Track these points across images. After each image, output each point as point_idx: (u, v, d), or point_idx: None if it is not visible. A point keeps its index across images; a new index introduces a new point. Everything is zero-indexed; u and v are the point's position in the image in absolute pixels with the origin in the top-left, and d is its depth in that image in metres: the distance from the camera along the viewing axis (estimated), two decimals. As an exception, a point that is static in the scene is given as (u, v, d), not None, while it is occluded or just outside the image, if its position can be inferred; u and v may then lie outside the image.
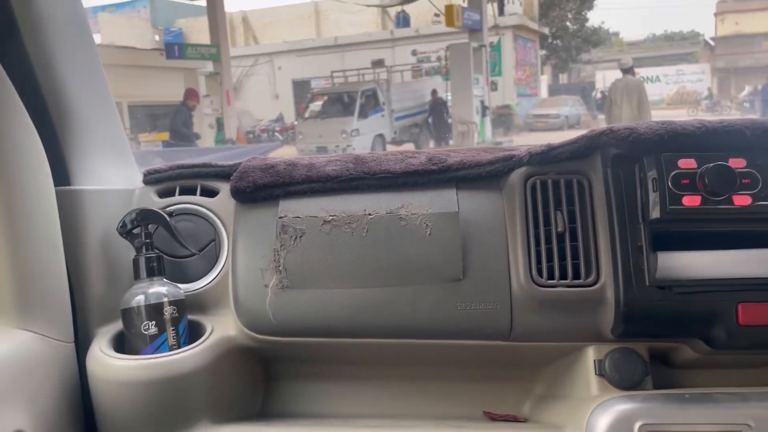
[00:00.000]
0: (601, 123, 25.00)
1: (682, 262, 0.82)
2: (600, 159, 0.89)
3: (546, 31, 26.92)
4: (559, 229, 0.87)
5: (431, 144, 16.27)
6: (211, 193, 1.02)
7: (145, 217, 0.92)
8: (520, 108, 23.93)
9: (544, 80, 49.38)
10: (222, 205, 1.00)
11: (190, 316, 0.94)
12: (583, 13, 30.28)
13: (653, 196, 0.81)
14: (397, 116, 16.01)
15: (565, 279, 0.86)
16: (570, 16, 30.39)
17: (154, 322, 0.87)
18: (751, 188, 0.79)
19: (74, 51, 0.93)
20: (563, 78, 52.89)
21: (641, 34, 59.06)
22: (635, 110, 8.09)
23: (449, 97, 15.59)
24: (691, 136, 0.82)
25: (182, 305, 0.91)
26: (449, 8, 14.77)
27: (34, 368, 0.79)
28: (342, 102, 15.48)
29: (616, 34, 64.48)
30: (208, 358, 0.90)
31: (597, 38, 31.42)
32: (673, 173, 0.80)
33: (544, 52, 30.23)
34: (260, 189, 0.96)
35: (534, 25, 25.58)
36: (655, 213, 0.81)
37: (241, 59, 28.50)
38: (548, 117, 23.17)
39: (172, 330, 0.89)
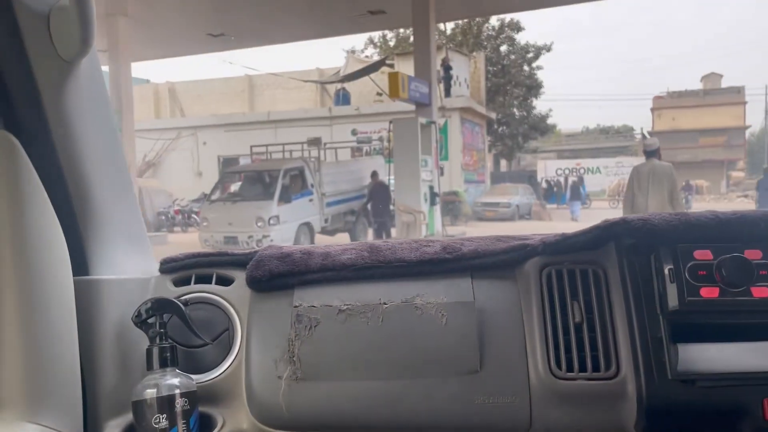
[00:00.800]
0: (552, 213, 24.01)
1: (704, 354, 0.79)
2: (615, 249, 0.88)
3: (493, 116, 25.24)
4: (577, 320, 0.85)
5: (369, 235, 13.32)
6: (226, 281, 1.01)
7: (160, 306, 0.90)
8: (468, 195, 21.71)
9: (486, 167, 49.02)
10: (237, 293, 0.99)
11: (201, 408, 0.90)
12: (529, 100, 29.04)
13: (671, 288, 0.80)
14: (329, 201, 13.06)
15: (585, 371, 0.83)
16: (516, 102, 29.27)
17: (165, 416, 0.83)
18: None
19: (98, 140, 0.91)
20: (503, 165, 52.74)
21: (576, 127, 60.19)
22: (666, 200, 6.65)
23: (392, 181, 12.89)
24: (706, 228, 0.81)
25: (194, 397, 0.87)
26: (393, 76, 12.39)
27: None
28: (261, 182, 12.44)
29: (554, 126, 66.14)
30: None
31: (544, 126, 30.06)
32: (689, 264, 0.80)
33: (489, 138, 28.70)
34: (276, 278, 0.95)
35: (481, 109, 23.96)
36: (673, 304, 0.80)
37: (162, 132, 25.57)
38: (498, 206, 21.03)
39: (183, 423, 0.85)
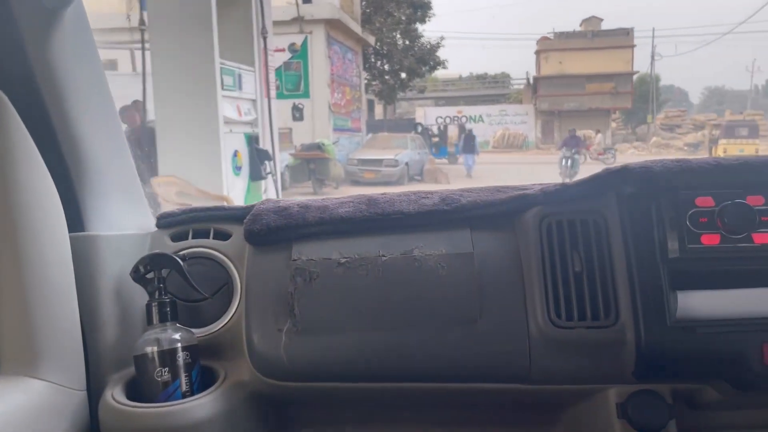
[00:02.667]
0: (446, 170, 18.36)
1: (703, 301, 0.79)
2: (615, 198, 0.86)
3: (371, 40, 18.15)
4: (577, 269, 0.84)
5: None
6: (224, 236, 0.99)
7: (158, 261, 0.89)
8: (338, 149, 14.91)
9: (361, 114, 42.46)
10: (235, 248, 0.97)
11: (202, 361, 0.90)
12: (414, 26, 22.20)
13: (671, 235, 0.79)
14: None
15: (584, 320, 0.83)
16: (401, 27, 22.12)
17: (167, 369, 0.84)
18: None
19: (89, 96, 0.90)
20: (378, 112, 46.53)
21: (454, 73, 55.11)
22: None
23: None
24: (707, 174, 0.80)
25: (195, 351, 0.87)
26: None
27: (45, 418, 0.76)
28: None
29: (445, 60, 60.78)
30: (222, 404, 0.86)
31: (435, 59, 23.13)
32: (690, 212, 0.79)
33: (366, 74, 21.80)
34: (273, 232, 0.93)
35: (356, 27, 16.68)
36: (673, 252, 0.79)
37: None
38: (381, 164, 14.36)
39: (185, 376, 0.85)
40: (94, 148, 0.89)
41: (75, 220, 0.87)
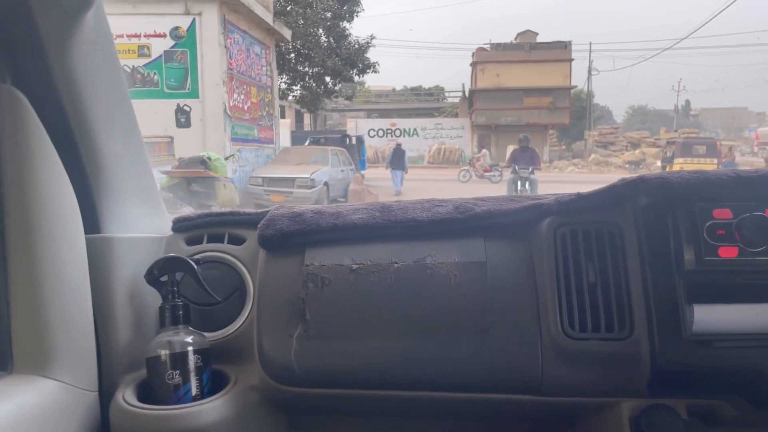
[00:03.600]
0: (380, 190, 14.07)
1: (720, 315, 0.76)
2: (631, 208, 0.84)
3: (286, 34, 14.82)
4: (591, 280, 0.82)
5: None
6: (238, 240, 0.99)
7: (172, 265, 0.89)
8: (241, 164, 11.57)
9: (286, 125, 39.02)
10: (249, 252, 0.97)
11: (214, 365, 0.89)
12: (341, 24, 19.06)
13: (688, 247, 0.77)
14: None
15: (598, 331, 0.81)
16: (325, 24, 18.64)
17: (178, 371, 0.83)
18: None
19: (108, 100, 0.89)
20: (307, 122, 43.32)
21: (387, 86, 52.69)
22: None
23: None
24: (725, 186, 0.77)
25: (207, 354, 0.87)
26: None
27: (57, 418, 0.76)
28: None
29: (362, 83, 58.14)
30: (232, 408, 0.86)
31: (365, 61, 19.50)
32: (708, 224, 0.76)
33: (285, 77, 18.46)
34: (287, 237, 0.92)
35: (265, 14, 13.08)
36: (690, 264, 0.77)
37: None
38: (293, 184, 11.03)
39: (196, 379, 0.84)
40: (112, 150, 0.88)
41: (91, 221, 0.86)
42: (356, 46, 18.85)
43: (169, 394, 0.82)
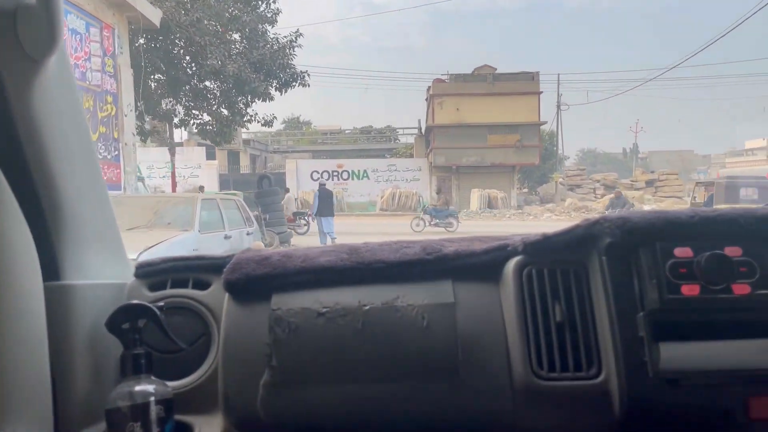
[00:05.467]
0: None
1: (686, 352, 0.76)
2: (595, 248, 0.83)
3: (153, 16, 9.05)
4: (558, 320, 0.81)
5: None
6: (203, 285, 0.97)
7: (134, 311, 0.84)
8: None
9: (213, 167, 33.19)
10: (214, 298, 0.94)
11: (177, 416, 0.84)
12: (262, 27, 13.29)
13: (651, 286, 0.77)
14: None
15: (567, 371, 0.80)
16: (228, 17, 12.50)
17: (139, 423, 0.78)
18: (749, 277, 0.75)
19: (68, 140, 0.86)
20: (245, 164, 37.66)
21: (334, 125, 47.82)
22: None
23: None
24: (685, 225, 0.78)
25: (170, 405, 0.82)
26: None
27: None
28: None
29: (309, 123, 53.16)
30: None
31: (290, 69, 13.38)
32: (669, 262, 0.76)
33: (169, 99, 12.77)
34: (253, 281, 0.89)
35: None
36: (653, 302, 0.76)
37: None
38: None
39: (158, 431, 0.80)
40: (73, 196, 0.86)
41: (50, 268, 0.83)
42: (275, 46, 12.99)
43: None
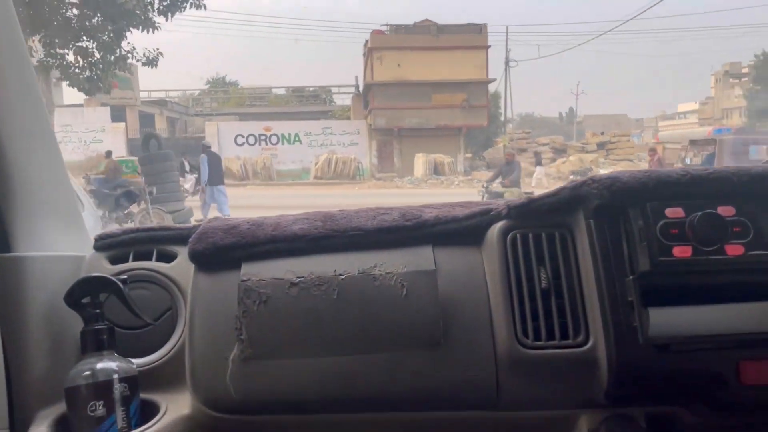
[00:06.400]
0: None
1: (676, 318, 0.73)
2: (582, 211, 0.80)
3: None
4: (543, 286, 0.79)
5: None
6: (168, 257, 0.92)
7: (95, 284, 0.80)
8: None
9: (120, 131, 28.56)
10: (180, 270, 0.89)
11: (142, 395, 0.81)
12: None
13: (641, 248, 0.73)
14: None
15: (553, 339, 0.77)
16: None
17: (101, 402, 0.74)
18: (742, 237, 0.72)
19: (20, 110, 0.81)
20: (162, 127, 33.13)
21: (263, 86, 43.55)
22: None
23: None
24: (677, 184, 0.75)
25: (134, 382, 0.78)
26: None
27: None
28: None
29: (235, 83, 48.41)
30: None
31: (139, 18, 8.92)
32: (660, 223, 0.73)
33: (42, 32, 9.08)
34: (221, 251, 0.84)
35: None
36: (644, 265, 0.73)
37: None
38: None
39: (123, 411, 0.75)
40: (26, 164, 0.81)
41: (1, 240, 0.79)
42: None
43: (92, 427, 0.73)
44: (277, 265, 0.82)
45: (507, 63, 29.65)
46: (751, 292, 0.73)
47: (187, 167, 13.34)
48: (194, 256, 0.84)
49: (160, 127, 33.41)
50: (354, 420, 0.80)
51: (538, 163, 21.68)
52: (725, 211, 0.73)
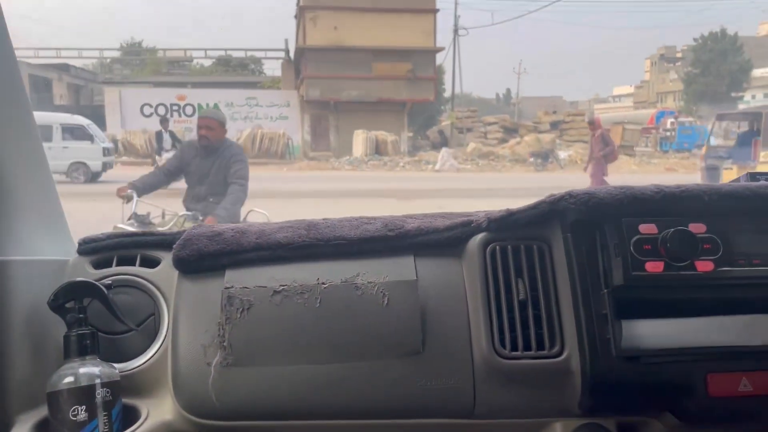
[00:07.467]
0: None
1: (648, 330, 0.75)
2: (560, 225, 0.82)
3: None
4: (521, 297, 0.80)
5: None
6: (152, 263, 0.91)
7: (79, 289, 0.80)
8: None
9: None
10: (163, 276, 0.88)
11: (124, 400, 0.80)
12: None
13: (615, 262, 0.75)
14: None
15: (529, 350, 0.78)
16: None
17: (84, 407, 0.74)
18: (712, 254, 0.74)
19: (5, 112, 0.80)
20: (61, 94, 28.25)
21: (181, 49, 38.67)
22: None
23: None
24: (650, 201, 0.77)
25: (117, 387, 0.78)
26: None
27: None
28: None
29: (153, 49, 43.03)
30: None
31: None
32: (634, 238, 0.75)
33: None
34: (205, 258, 0.85)
35: None
36: (618, 279, 0.75)
37: None
38: None
39: (104, 416, 0.75)
40: (9, 166, 0.80)
41: None
42: None
43: None
44: (260, 272, 0.82)
45: (456, 30, 26.70)
46: (720, 307, 0.75)
47: (168, 141, 10.39)
48: (179, 263, 0.84)
49: (59, 93, 28.57)
50: (334, 427, 0.80)
51: (443, 143, 18.97)
52: (696, 228, 0.74)
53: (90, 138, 14.39)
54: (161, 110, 22.04)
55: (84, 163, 14.11)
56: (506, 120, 26.89)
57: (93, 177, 14.07)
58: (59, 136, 14.17)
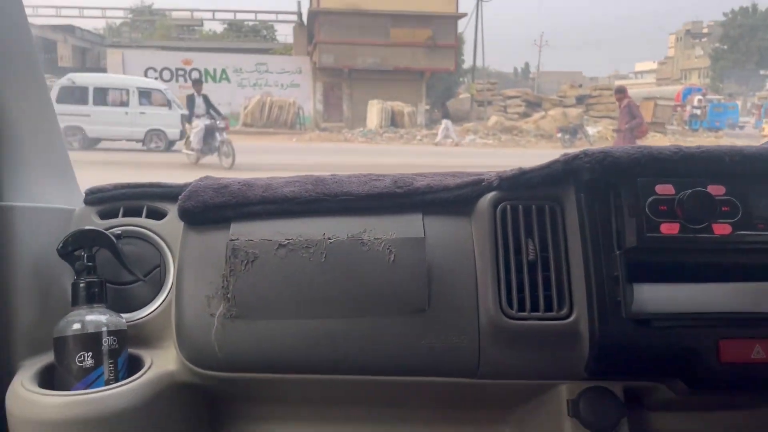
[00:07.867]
0: None
1: (660, 294, 0.74)
2: (573, 185, 0.80)
3: None
4: (530, 258, 0.78)
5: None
6: (158, 214, 0.91)
7: (88, 238, 0.80)
8: None
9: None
10: (169, 227, 0.88)
11: (130, 350, 0.81)
12: None
13: (629, 223, 0.74)
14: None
15: (537, 311, 0.77)
16: None
17: (90, 354, 0.74)
18: (730, 217, 0.72)
19: (12, 60, 0.80)
20: (66, 57, 27.25)
21: (195, 18, 37.20)
22: None
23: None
24: (668, 161, 0.74)
25: (123, 336, 0.78)
26: None
27: None
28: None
29: (162, 13, 41.55)
30: (145, 395, 0.77)
31: None
32: (650, 199, 0.73)
33: None
34: (211, 210, 0.84)
35: None
36: (631, 241, 0.73)
37: None
38: None
39: (110, 363, 0.75)
40: (15, 115, 0.80)
41: None
42: None
43: (78, 379, 0.73)
44: (266, 226, 0.82)
45: (480, -4, 25.04)
46: (735, 272, 0.73)
47: (202, 107, 9.09)
48: (184, 214, 0.84)
49: (64, 54, 27.52)
50: (334, 382, 0.80)
51: (445, 115, 17.56)
52: (715, 189, 0.72)
53: (168, 103, 13.11)
54: (166, 75, 20.86)
55: (162, 131, 12.79)
56: (528, 94, 25.40)
57: (169, 146, 12.80)
58: (136, 100, 12.97)
